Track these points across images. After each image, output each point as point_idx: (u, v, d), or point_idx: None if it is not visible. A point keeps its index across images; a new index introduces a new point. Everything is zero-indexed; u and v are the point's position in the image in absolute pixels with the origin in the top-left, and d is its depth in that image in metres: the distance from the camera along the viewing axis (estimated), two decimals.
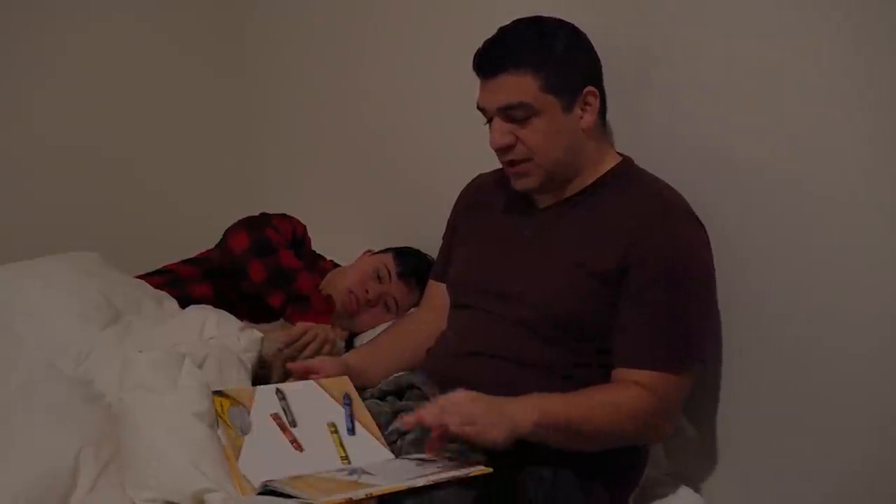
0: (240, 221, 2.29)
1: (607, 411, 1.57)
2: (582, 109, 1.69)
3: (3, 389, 1.73)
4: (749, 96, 1.66)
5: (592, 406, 1.56)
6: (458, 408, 1.46)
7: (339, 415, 1.66)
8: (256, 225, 2.27)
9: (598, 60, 1.73)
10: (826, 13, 1.54)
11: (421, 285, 2.16)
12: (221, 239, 2.29)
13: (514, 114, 1.66)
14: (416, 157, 2.50)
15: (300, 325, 2.07)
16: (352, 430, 1.63)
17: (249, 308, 2.22)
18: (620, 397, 1.59)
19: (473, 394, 1.50)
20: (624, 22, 1.86)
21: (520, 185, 1.73)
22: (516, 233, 1.79)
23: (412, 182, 2.52)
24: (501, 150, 1.70)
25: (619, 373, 1.62)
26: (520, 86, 1.64)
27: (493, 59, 1.67)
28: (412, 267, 2.30)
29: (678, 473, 1.87)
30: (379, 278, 2.29)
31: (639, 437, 1.65)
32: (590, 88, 1.69)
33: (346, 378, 1.74)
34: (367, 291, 2.28)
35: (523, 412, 1.49)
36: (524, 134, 1.66)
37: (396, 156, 2.57)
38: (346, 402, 1.68)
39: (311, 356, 1.96)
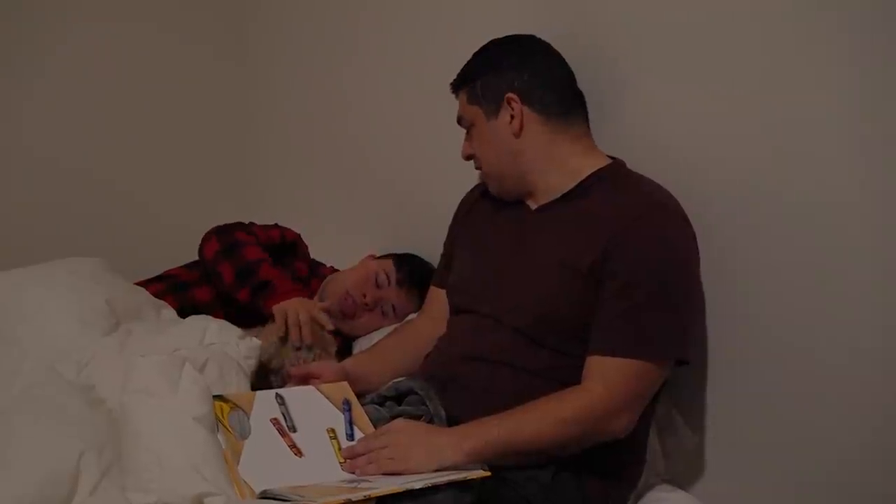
0: (210, 230, 2.30)
1: (551, 424, 1.57)
2: (511, 117, 1.76)
3: (6, 394, 1.73)
4: (736, 101, 1.67)
5: (535, 422, 1.57)
6: (387, 439, 1.55)
7: (338, 420, 1.66)
8: (226, 230, 2.29)
9: (525, 68, 1.77)
10: (815, 16, 1.54)
11: (421, 292, 2.16)
12: (199, 248, 2.30)
13: (463, 127, 1.84)
14: (415, 161, 2.51)
15: (275, 309, 2.09)
16: (351, 436, 1.64)
17: (238, 312, 2.21)
18: (565, 409, 1.58)
19: (405, 425, 1.58)
20: (609, 27, 1.88)
21: (489, 189, 1.88)
22: (509, 238, 1.81)
23: (411, 187, 2.53)
24: (469, 160, 1.87)
25: (588, 362, 1.63)
26: (460, 102, 1.84)
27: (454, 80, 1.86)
28: (412, 274, 2.31)
29: (676, 478, 1.87)
30: (378, 284, 2.29)
31: (589, 438, 1.61)
32: (509, 95, 1.76)
33: (345, 383, 1.76)
34: (364, 295, 2.28)
35: (452, 444, 1.53)
36: (472, 145, 1.84)
37: (396, 161, 2.58)
38: (346, 407, 1.69)
39: (313, 335, 2.08)
